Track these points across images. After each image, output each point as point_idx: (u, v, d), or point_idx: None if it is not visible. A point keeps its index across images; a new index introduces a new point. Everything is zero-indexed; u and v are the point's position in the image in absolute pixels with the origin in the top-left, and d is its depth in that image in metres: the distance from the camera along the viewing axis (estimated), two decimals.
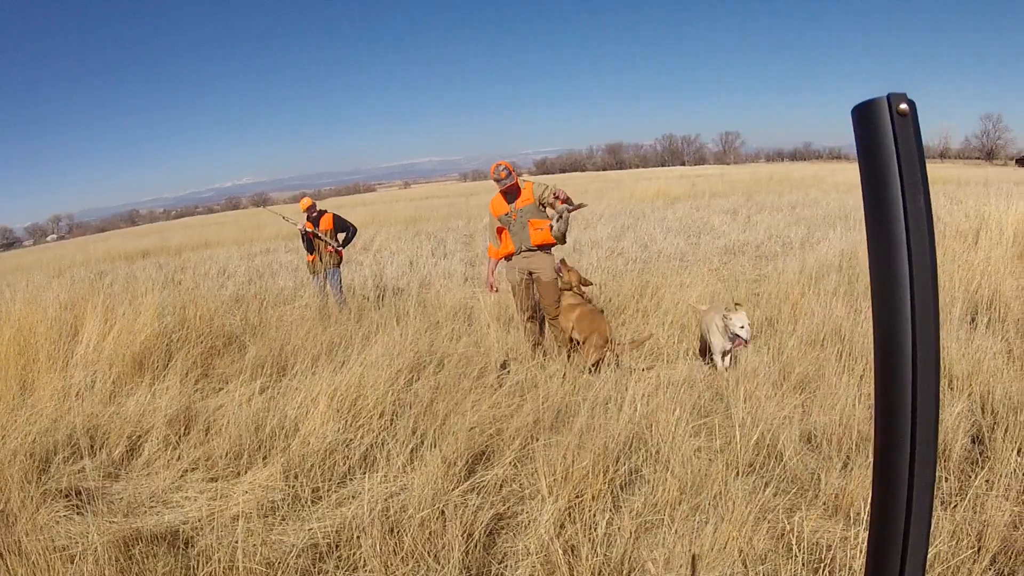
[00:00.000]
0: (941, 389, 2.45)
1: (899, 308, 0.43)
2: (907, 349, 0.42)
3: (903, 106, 0.43)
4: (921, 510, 0.44)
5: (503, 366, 4.60)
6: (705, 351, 4.69)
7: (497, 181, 5.02)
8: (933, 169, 29.52)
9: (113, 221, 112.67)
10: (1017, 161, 53.62)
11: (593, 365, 4.58)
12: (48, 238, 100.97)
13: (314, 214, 7.00)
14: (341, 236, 7.05)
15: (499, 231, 5.28)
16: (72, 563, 2.42)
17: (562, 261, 5.13)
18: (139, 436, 3.68)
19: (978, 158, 68.37)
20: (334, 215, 7.13)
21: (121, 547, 2.54)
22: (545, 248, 4.98)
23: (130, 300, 5.48)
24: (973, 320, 4.73)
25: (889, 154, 0.43)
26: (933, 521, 2.26)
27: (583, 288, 5.11)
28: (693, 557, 2.42)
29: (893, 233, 0.43)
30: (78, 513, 2.87)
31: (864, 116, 0.44)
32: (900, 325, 0.43)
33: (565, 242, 5.02)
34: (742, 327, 4.18)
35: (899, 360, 0.43)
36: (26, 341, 4.83)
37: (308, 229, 6.95)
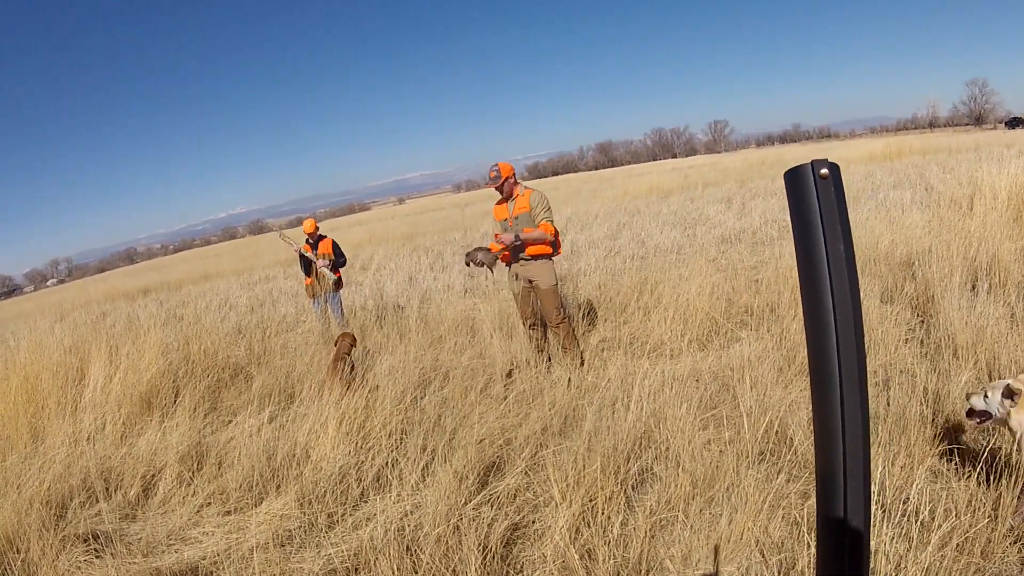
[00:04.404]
0: (947, 360, 2.46)
1: (826, 333, 0.52)
2: (834, 363, 0.53)
3: (824, 171, 0.53)
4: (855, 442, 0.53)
5: (509, 375, 4.60)
6: None
7: (491, 181, 5.04)
8: (922, 140, 29.65)
9: (112, 261, 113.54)
10: (1006, 123, 53.53)
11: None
12: (48, 283, 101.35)
13: (313, 239, 7.05)
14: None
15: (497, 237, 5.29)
16: None
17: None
18: (153, 475, 3.70)
19: (967, 124, 68.26)
20: (333, 241, 7.17)
21: None
22: (542, 257, 4.98)
23: (133, 339, 5.51)
24: (974, 287, 4.73)
25: (813, 211, 0.53)
26: (947, 494, 2.27)
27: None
28: (716, 548, 2.42)
29: (818, 274, 0.53)
30: (97, 557, 2.89)
31: (793, 180, 0.54)
32: (827, 347, 0.53)
33: (492, 268, 5.12)
34: None
35: (828, 366, 0.53)
36: (33, 388, 4.86)
37: (306, 252, 6.98)
